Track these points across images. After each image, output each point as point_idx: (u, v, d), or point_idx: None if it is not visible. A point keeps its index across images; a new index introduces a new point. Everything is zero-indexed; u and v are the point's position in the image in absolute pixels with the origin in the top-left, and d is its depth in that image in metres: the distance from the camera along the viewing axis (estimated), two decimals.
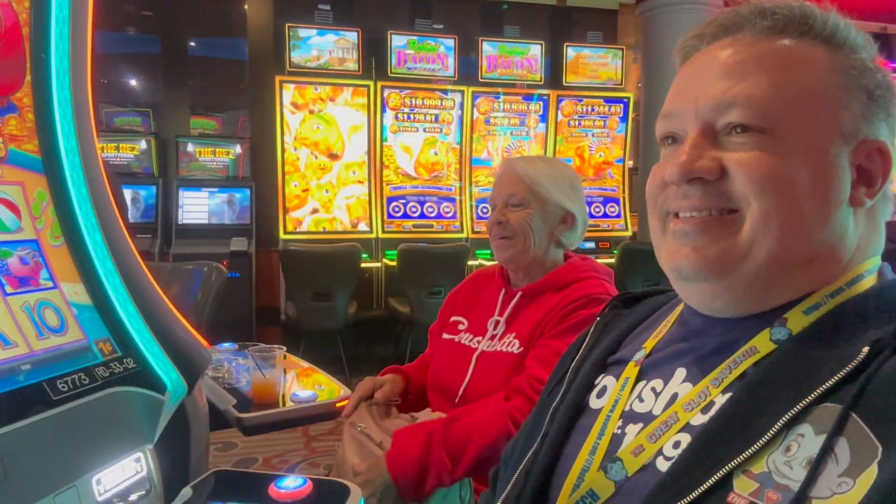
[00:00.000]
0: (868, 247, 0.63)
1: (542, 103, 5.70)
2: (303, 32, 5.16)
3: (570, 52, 5.83)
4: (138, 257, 1.06)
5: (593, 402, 0.72)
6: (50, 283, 0.88)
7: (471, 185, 5.53)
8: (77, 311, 0.90)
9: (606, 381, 0.73)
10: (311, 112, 5.13)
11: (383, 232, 5.27)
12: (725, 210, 0.60)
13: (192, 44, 5.85)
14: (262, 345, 1.64)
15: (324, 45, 5.20)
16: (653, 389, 0.67)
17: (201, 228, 5.05)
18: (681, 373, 0.66)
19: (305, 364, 1.77)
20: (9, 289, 0.82)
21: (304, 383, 1.63)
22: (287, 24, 5.14)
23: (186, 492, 0.87)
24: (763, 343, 0.60)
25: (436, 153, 5.48)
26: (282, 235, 5.05)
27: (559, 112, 5.77)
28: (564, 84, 5.82)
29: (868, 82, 0.61)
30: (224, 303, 2.25)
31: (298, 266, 4.37)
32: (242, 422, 1.36)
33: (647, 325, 0.77)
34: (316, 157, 5.19)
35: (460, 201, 5.52)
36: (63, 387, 0.81)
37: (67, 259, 0.93)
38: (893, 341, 0.52)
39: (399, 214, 5.36)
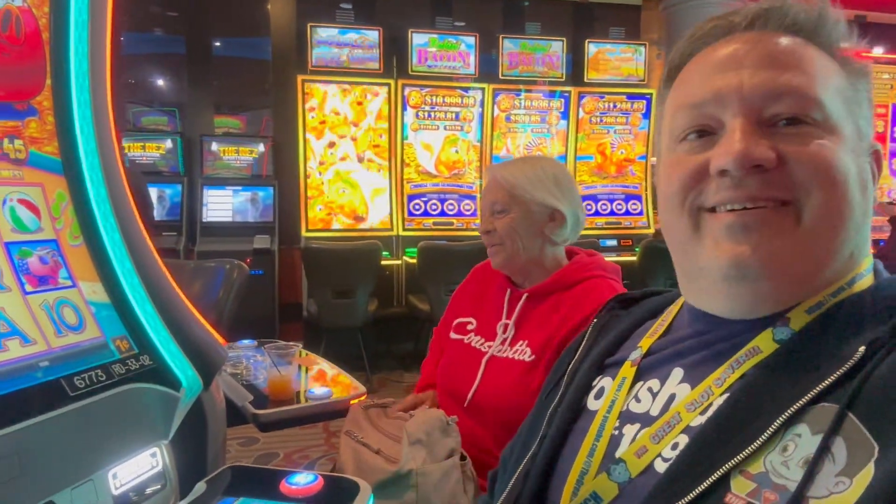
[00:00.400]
0: (865, 245, 0.63)
1: (563, 100, 5.65)
2: (324, 32, 5.20)
3: (592, 48, 5.78)
4: (156, 256, 1.08)
5: (591, 403, 0.72)
6: (69, 282, 0.91)
7: None
8: (95, 310, 0.92)
9: (604, 382, 0.73)
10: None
11: (404, 230, 5.28)
12: (780, 201, 0.58)
13: (217, 44, 5.91)
14: (279, 342, 1.67)
15: (345, 43, 5.23)
16: (649, 390, 0.67)
17: (225, 226, 5.11)
18: (677, 373, 0.65)
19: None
20: (28, 287, 0.84)
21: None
22: (309, 24, 5.18)
23: (200, 486, 0.89)
24: (766, 343, 0.59)
25: (456, 151, 5.48)
26: (304, 233, 5.09)
27: (580, 109, 5.71)
28: (586, 80, 5.77)
29: (867, 88, 0.64)
30: (247, 300, 2.28)
31: (320, 263, 4.41)
32: (258, 418, 1.38)
33: (647, 328, 0.77)
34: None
35: (480, 199, 5.49)
36: (80, 383, 0.83)
37: (86, 258, 0.95)
38: (889, 340, 0.52)
39: (419, 212, 5.36)
